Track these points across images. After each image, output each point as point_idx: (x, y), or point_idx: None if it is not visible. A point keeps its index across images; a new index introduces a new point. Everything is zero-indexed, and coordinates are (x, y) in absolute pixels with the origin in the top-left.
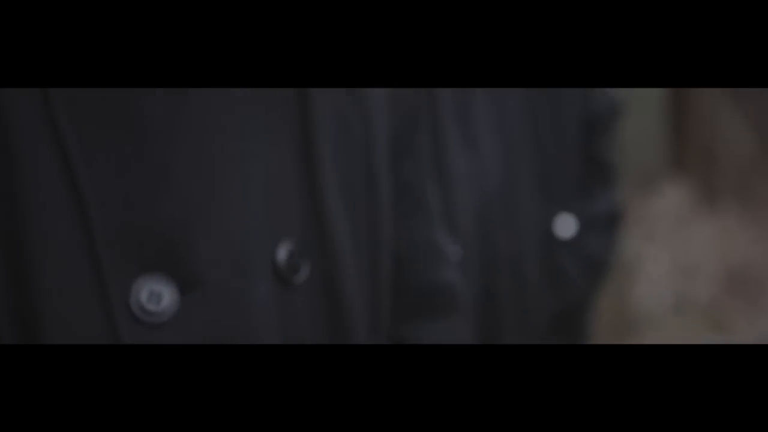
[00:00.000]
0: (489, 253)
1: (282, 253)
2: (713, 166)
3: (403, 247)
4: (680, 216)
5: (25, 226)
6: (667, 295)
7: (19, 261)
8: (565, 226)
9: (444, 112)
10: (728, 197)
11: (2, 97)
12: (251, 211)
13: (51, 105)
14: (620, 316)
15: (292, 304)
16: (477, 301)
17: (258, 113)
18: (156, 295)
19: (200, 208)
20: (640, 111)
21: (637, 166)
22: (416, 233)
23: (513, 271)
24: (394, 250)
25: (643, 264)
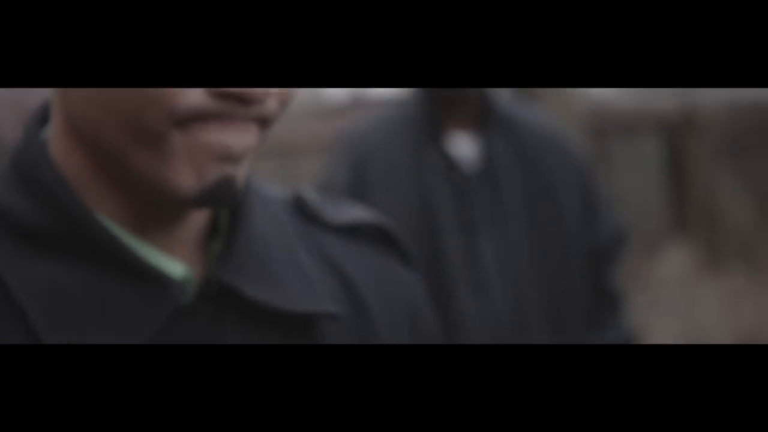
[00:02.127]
0: None
1: None
2: (716, 229)
3: None
4: (685, 280)
5: None
6: None
7: None
8: None
9: (451, 258)
10: (732, 260)
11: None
12: None
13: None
14: None
15: None
16: None
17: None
18: None
19: None
20: (642, 175)
21: (641, 231)
22: None
23: None
24: None
25: (651, 332)
